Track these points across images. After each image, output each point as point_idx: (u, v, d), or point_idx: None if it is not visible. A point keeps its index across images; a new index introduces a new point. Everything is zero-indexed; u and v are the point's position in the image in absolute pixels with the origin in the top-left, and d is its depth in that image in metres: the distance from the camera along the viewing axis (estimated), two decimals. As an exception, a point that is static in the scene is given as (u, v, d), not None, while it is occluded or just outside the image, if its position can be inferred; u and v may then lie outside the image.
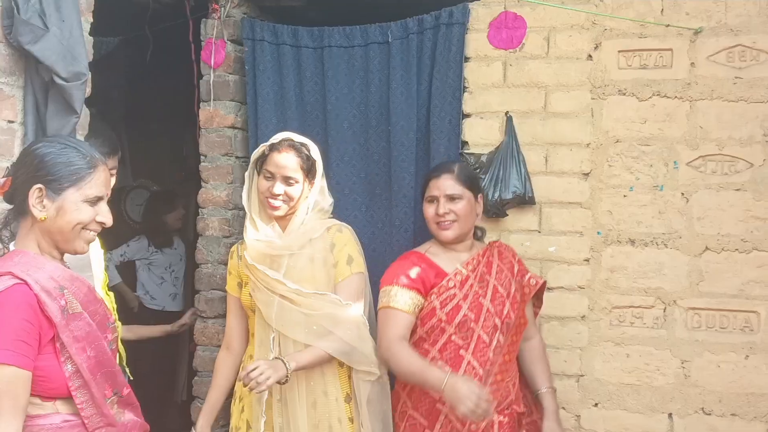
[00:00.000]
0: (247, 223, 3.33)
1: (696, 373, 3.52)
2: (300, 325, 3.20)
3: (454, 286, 3.23)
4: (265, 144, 3.33)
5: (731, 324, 3.50)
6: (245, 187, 3.37)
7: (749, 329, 3.47)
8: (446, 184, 3.29)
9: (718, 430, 3.48)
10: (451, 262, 3.30)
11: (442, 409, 3.15)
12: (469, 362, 3.15)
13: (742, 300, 3.48)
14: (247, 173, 3.38)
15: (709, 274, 3.52)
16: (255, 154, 3.35)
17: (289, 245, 3.28)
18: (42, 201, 2.30)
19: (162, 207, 6.09)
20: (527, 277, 3.37)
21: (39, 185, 2.29)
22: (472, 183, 3.35)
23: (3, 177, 2.36)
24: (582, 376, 3.64)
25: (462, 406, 2.88)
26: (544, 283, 3.43)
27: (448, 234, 3.28)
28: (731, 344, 3.49)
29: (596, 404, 3.63)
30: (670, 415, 3.54)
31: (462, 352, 3.16)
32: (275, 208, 3.28)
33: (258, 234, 3.30)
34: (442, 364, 3.13)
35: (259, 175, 3.32)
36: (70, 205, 2.32)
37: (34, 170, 2.30)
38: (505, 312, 3.22)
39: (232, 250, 3.46)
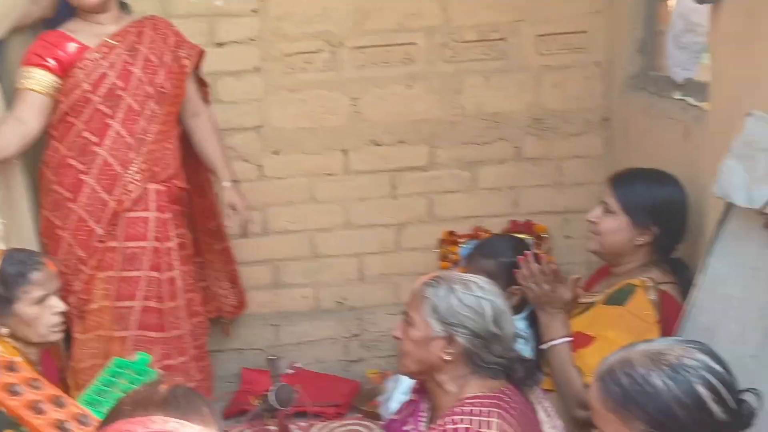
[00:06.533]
0: None
1: (365, 108, 3.71)
2: None
3: (100, 57, 3.07)
4: None
5: (393, 57, 3.68)
6: None
7: (409, 60, 3.68)
8: None
9: (388, 157, 3.75)
10: (96, 36, 3.10)
11: (86, 180, 3.08)
12: (117, 132, 3.08)
13: (402, 33, 3.65)
14: None
15: (371, 11, 3.62)
16: None
17: None
18: None
19: None
20: (184, 47, 3.23)
21: None
22: None
23: None
24: (261, 126, 3.69)
25: None
26: (202, 52, 3.29)
27: None
28: (395, 77, 3.69)
29: (276, 152, 3.72)
30: (344, 151, 3.74)
31: (109, 120, 3.08)
32: None
33: None
34: (89, 135, 3.06)
35: None
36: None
37: None
38: (158, 81, 3.12)
39: None
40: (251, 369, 3.69)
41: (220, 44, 3.54)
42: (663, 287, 2.44)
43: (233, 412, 3.44)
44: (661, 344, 1.54)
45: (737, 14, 2.31)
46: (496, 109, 3.72)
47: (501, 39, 3.67)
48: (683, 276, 2.53)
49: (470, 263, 2.75)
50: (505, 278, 2.58)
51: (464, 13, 3.64)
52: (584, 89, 3.71)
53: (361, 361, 3.88)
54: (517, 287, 2.60)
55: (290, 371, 3.62)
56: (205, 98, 3.40)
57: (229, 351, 3.79)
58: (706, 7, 2.55)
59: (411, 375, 2.19)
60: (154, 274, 3.10)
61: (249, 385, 3.53)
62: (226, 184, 3.33)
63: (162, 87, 3.12)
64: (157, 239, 3.12)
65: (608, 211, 2.58)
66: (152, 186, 3.11)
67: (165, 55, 3.14)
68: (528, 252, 2.52)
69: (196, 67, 3.31)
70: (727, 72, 2.41)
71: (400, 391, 2.68)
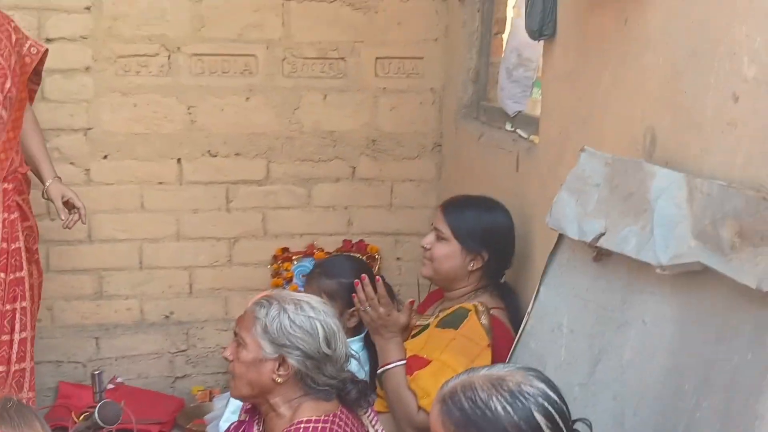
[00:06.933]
0: None
1: (202, 118, 3.64)
2: None
3: None
4: None
5: (232, 68, 3.63)
6: None
7: (249, 72, 3.65)
8: None
9: (223, 169, 3.69)
10: None
11: None
12: None
13: (241, 44, 3.61)
14: None
15: (211, 19, 3.56)
16: None
17: None
18: None
19: None
20: (27, 45, 3.04)
21: None
22: None
23: None
24: (90, 129, 3.55)
25: None
26: (46, 51, 3.12)
27: None
28: (233, 87, 3.65)
29: (106, 156, 3.58)
30: (179, 160, 3.65)
31: None
32: None
33: None
34: None
35: None
36: None
37: None
38: (7, 86, 2.92)
39: None
40: (69, 383, 3.52)
41: (49, 40, 3.39)
42: (493, 312, 2.52)
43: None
44: (502, 370, 1.58)
45: (569, 52, 2.42)
46: (333, 128, 3.74)
47: (340, 58, 3.71)
48: (510, 300, 2.64)
49: (310, 282, 2.74)
50: (346, 299, 2.60)
51: (305, 29, 3.65)
52: (419, 114, 3.80)
53: (187, 377, 3.78)
54: (356, 309, 2.62)
55: (111, 386, 3.47)
56: (32, 95, 3.20)
57: (45, 363, 3.58)
58: (539, 43, 2.67)
59: (244, 399, 2.14)
60: (1, 275, 2.92)
61: (66, 400, 3.36)
62: (49, 181, 3.10)
63: (10, 92, 2.91)
64: (4, 240, 2.93)
65: (440, 237, 2.64)
66: (0, 185, 2.92)
67: (12, 57, 2.93)
68: (363, 275, 2.54)
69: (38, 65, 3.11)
70: (558, 107, 2.52)
71: (230, 410, 2.62)
